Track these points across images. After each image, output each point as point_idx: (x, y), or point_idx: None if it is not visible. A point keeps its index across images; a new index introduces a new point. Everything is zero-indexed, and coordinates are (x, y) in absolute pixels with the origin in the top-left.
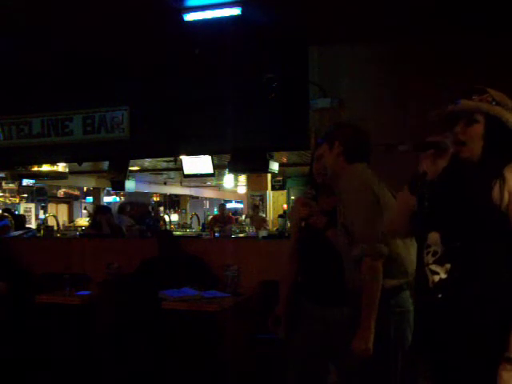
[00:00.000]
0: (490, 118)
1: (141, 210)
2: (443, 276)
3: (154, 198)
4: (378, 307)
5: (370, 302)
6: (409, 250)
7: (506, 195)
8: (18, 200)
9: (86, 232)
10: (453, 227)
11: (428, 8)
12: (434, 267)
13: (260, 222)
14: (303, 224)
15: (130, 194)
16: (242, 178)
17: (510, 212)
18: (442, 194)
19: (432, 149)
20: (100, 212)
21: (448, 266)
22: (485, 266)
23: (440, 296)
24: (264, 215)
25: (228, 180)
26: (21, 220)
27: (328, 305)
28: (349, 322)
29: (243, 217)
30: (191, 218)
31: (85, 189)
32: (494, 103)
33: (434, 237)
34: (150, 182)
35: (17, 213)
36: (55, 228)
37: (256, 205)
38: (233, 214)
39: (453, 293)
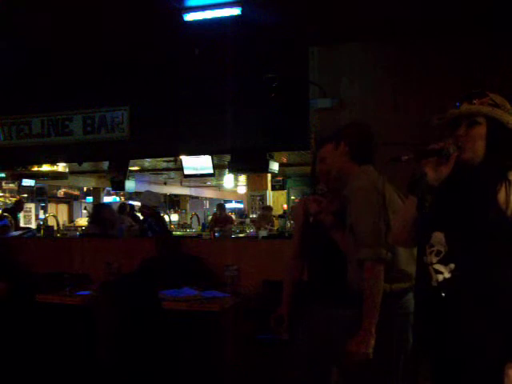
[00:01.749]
0: (491, 120)
1: (150, 213)
2: (447, 275)
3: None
4: (380, 310)
5: (371, 305)
6: (412, 253)
7: None
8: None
9: (90, 232)
10: (457, 228)
11: (428, 8)
12: (437, 266)
13: (269, 221)
14: (311, 220)
15: (143, 194)
16: (242, 178)
17: None
18: (446, 195)
19: (434, 156)
20: (113, 210)
21: (452, 265)
22: (490, 267)
23: (443, 295)
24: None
25: (228, 180)
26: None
27: (332, 305)
28: (352, 323)
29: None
30: (191, 218)
31: (85, 189)
32: (494, 106)
33: (437, 236)
34: (150, 182)
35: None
36: (55, 228)
37: (268, 206)
38: (240, 216)
39: (457, 292)
